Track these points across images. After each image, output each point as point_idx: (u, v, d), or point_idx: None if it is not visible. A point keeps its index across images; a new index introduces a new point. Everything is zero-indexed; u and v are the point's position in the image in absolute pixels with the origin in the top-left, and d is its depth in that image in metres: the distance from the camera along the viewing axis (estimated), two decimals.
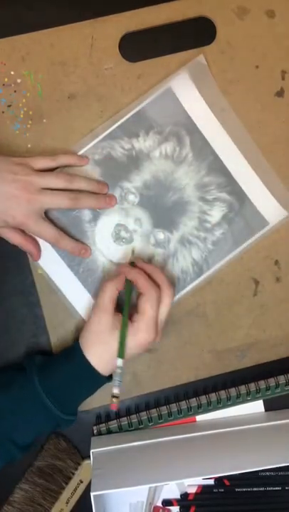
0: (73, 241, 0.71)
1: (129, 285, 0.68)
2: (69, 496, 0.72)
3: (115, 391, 0.64)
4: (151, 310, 0.65)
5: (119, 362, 0.65)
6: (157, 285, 0.67)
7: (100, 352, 0.66)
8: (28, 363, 0.68)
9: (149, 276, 0.67)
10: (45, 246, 0.73)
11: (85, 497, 0.65)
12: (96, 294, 0.72)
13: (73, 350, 0.68)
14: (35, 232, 0.69)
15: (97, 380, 0.67)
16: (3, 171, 0.66)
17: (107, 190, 0.73)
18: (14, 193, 0.65)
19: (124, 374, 0.65)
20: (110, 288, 0.67)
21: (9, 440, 0.65)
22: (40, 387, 0.65)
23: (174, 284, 0.72)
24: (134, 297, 0.69)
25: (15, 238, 0.69)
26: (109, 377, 0.68)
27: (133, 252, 0.73)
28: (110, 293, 0.67)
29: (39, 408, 0.65)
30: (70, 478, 0.72)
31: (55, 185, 0.68)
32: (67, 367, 0.67)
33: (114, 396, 0.64)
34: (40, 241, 0.72)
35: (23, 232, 0.70)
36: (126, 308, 0.67)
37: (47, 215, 0.70)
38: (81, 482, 0.72)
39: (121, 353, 0.65)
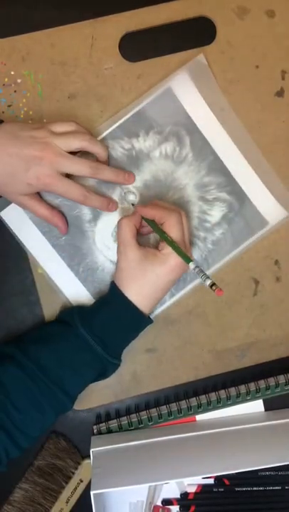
0: (100, 196, 0.71)
1: (152, 222, 0.68)
2: (69, 496, 0.72)
3: (208, 282, 0.62)
4: (178, 234, 0.66)
5: (192, 265, 0.64)
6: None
7: (136, 288, 0.66)
8: (68, 312, 0.69)
9: None
10: (45, 246, 0.73)
11: (85, 496, 0.65)
12: (96, 294, 0.73)
13: (111, 292, 0.68)
14: (62, 192, 0.67)
15: (139, 318, 0.67)
16: (23, 136, 0.65)
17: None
18: (36, 154, 0.65)
19: (202, 271, 0.64)
20: (127, 223, 0.67)
21: (61, 390, 0.65)
22: (84, 330, 0.65)
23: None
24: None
25: (41, 210, 0.69)
26: (150, 319, 0.68)
27: (134, 205, 0.73)
28: (128, 227, 0.67)
29: (85, 352, 0.65)
30: (70, 478, 0.72)
31: (75, 147, 0.67)
32: (107, 307, 0.68)
33: (212, 285, 0.62)
34: (40, 242, 0.72)
35: (49, 205, 0.70)
36: (159, 232, 0.67)
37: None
38: (81, 481, 0.72)
39: (186, 259, 0.64)
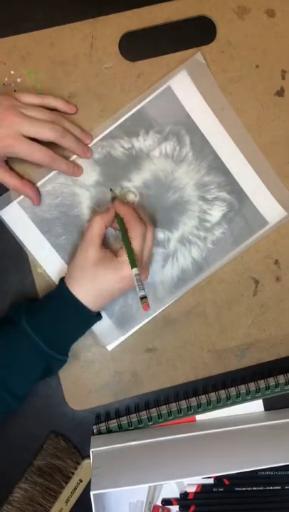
0: (66, 161, 0.71)
1: (121, 222, 0.68)
2: (68, 496, 0.72)
3: (141, 294, 0.63)
4: (137, 244, 0.66)
5: (135, 271, 0.64)
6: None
7: (87, 287, 0.66)
8: (14, 309, 0.68)
9: None
10: (45, 246, 0.73)
11: (85, 496, 0.65)
12: None
13: (59, 288, 0.68)
14: (27, 153, 0.67)
15: (86, 316, 0.67)
16: None
17: (89, 141, 0.72)
18: None
19: (140, 280, 0.64)
20: (99, 222, 0.67)
21: (4, 389, 0.65)
22: (28, 326, 0.65)
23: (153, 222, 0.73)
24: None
25: (12, 181, 0.69)
26: (99, 315, 0.69)
27: (112, 190, 0.73)
28: (99, 227, 0.67)
29: (29, 349, 0.65)
30: (69, 478, 0.72)
31: (39, 115, 0.67)
32: (54, 304, 0.67)
33: (142, 298, 0.63)
34: (40, 242, 0.72)
35: (20, 177, 0.70)
36: (122, 230, 0.67)
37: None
38: (81, 481, 0.72)
39: (132, 264, 0.65)
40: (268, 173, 0.74)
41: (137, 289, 0.63)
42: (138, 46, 0.74)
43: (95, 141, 0.73)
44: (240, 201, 0.73)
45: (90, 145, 0.73)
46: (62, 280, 0.68)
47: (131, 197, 0.73)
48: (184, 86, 0.73)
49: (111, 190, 0.73)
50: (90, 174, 0.73)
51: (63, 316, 0.67)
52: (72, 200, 0.73)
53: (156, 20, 0.74)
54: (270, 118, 0.74)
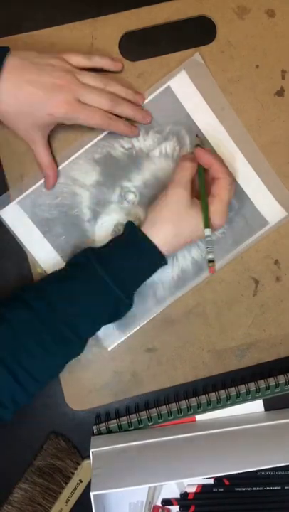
0: (123, 121, 0.71)
1: (203, 172, 0.68)
2: (68, 496, 0.72)
3: (210, 256, 0.65)
4: (228, 194, 0.66)
5: (207, 231, 0.66)
6: None
7: (169, 229, 0.66)
8: (82, 253, 0.67)
9: None
10: (45, 246, 0.73)
11: (85, 497, 0.65)
12: None
13: (132, 232, 0.67)
14: (85, 118, 0.67)
15: (155, 258, 0.66)
16: (41, 63, 0.65)
17: (142, 102, 0.73)
18: (56, 81, 0.65)
19: (211, 242, 0.67)
20: (191, 167, 0.67)
21: (72, 332, 0.63)
22: (99, 266, 0.64)
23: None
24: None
25: (44, 157, 0.69)
26: (165, 260, 0.67)
27: (198, 136, 0.73)
28: (191, 171, 0.67)
29: (100, 292, 0.64)
30: (69, 478, 0.72)
31: (93, 82, 0.67)
32: (128, 248, 0.67)
33: (210, 261, 0.65)
34: (40, 242, 0.72)
35: (51, 157, 0.70)
36: (202, 187, 0.67)
37: None
38: (81, 482, 0.72)
39: (206, 223, 0.66)
40: (267, 173, 0.74)
41: (207, 251, 0.65)
42: (138, 46, 0.74)
43: (95, 140, 0.73)
44: (240, 201, 0.73)
45: (90, 145, 0.73)
46: (131, 224, 0.68)
47: (131, 197, 0.73)
48: (183, 86, 0.73)
49: (197, 136, 0.73)
50: (90, 174, 0.73)
51: (134, 257, 0.66)
52: (72, 200, 0.73)
53: (156, 20, 0.74)
54: (270, 118, 0.74)
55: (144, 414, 0.73)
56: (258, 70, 0.74)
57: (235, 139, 0.73)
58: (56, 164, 0.72)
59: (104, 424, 0.73)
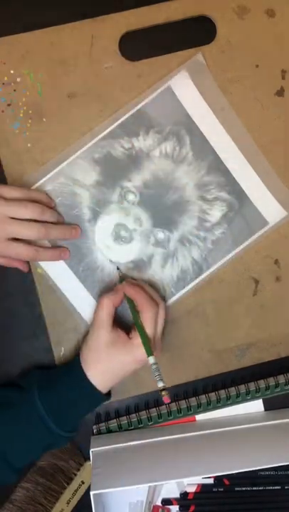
0: (50, 250, 0.71)
1: (132, 304, 0.68)
2: (70, 497, 0.72)
3: (160, 385, 0.63)
4: (150, 327, 0.66)
5: (151, 360, 0.64)
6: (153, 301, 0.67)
7: (100, 370, 0.67)
8: (27, 380, 0.68)
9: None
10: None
11: (86, 498, 0.65)
12: (96, 294, 0.73)
13: (74, 368, 0.68)
14: (12, 256, 0.68)
15: (97, 398, 0.67)
16: None
17: (63, 221, 0.73)
18: None
19: (160, 367, 0.64)
20: (107, 304, 0.67)
21: (4, 461, 0.65)
22: (40, 402, 0.65)
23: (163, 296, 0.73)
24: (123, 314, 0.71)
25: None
26: (108, 395, 0.69)
27: (119, 269, 0.73)
28: (107, 309, 0.67)
29: (37, 425, 0.65)
30: (71, 479, 0.72)
31: (24, 216, 0.66)
32: (67, 384, 0.67)
33: (162, 390, 0.63)
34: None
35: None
36: (135, 317, 0.67)
37: None
38: (83, 483, 0.72)
39: (148, 352, 0.65)
40: (267, 173, 0.74)
41: (156, 380, 0.63)
42: (138, 46, 0.74)
43: (95, 140, 0.73)
44: (240, 201, 0.73)
45: (90, 145, 0.72)
46: (78, 359, 0.68)
47: (131, 197, 0.73)
48: (184, 86, 0.73)
49: (118, 268, 0.73)
50: (90, 174, 0.73)
51: (76, 398, 0.67)
52: (72, 200, 0.73)
53: (156, 20, 0.73)
54: (270, 118, 0.74)
55: (144, 414, 0.73)
56: (258, 70, 0.74)
57: (235, 139, 0.73)
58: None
59: (104, 423, 0.73)
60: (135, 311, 0.68)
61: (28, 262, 0.72)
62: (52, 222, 0.69)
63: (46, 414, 0.65)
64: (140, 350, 0.65)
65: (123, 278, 0.72)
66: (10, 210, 0.66)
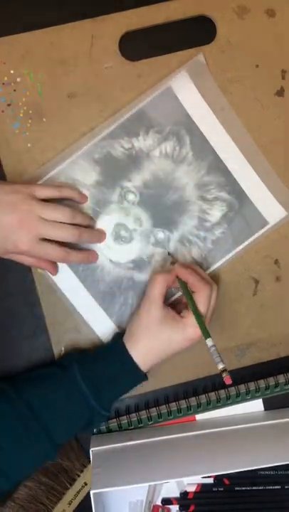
0: (80, 252, 0.70)
1: (185, 286, 0.68)
2: (72, 498, 0.72)
3: (221, 366, 0.63)
4: (204, 307, 0.66)
5: (209, 342, 0.64)
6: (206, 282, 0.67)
7: (146, 346, 0.66)
8: (67, 358, 0.69)
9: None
10: None
11: (88, 500, 0.64)
12: (96, 293, 0.73)
13: (115, 346, 0.68)
14: (43, 256, 0.67)
15: (137, 375, 0.67)
16: (2, 201, 0.65)
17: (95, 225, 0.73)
18: (14, 223, 0.64)
19: (217, 351, 0.64)
20: (161, 281, 0.67)
21: (47, 437, 0.64)
22: (80, 376, 0.65)
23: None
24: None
25: (26, 261, 0.69)
26: (145, 376, 0.68)
27: (170, 253, 0.73)
28: (161, 286, 0.67)
29: (78, 400, 0.65)
30: (74, 480, 0.72)
31: (57, 218, 0.66)
32: (108, 360, 0.67)
33: (223, 371, 0.63)
34: None
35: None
36: (189, 300, 0.67)
37: None
38: (85, 484, 0.72)
39: (206, 334, 0.65)
40: (267, 173, 0.74)
41: (216, 362, 0.63)
42: (138, 46, 0.74)
43: (95, 140, 0.73)
44: (240, 201, 0.74)
45: (90, 145, 0.73)
46: (119, 336, 0.69)
47: (131, 197, 0.73)
48: (184, 86, 0.73)
49: (169, 253, 0.73)
50: (90, 174, 0.73)
51: (115, 374, 0.67)
52: (71, 201, 0.73)
53: (156, 19, 0.73)
54: (270, 118, 0.74)
55: (144, 414, 0.73)
56: (258, 70, 0.74)
57: (235, 139, 0.73)
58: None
59: (104, 423, 0.73)
60: (189, 293, 0.67)
61: (55, 264, 0.71)
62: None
63: (87, 389, 0.65)
64: (191, 329, 0.65)
65: (174, 262, 0.72)
66: (43, 212, 0.65)
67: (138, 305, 0.70)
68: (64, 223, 0.67)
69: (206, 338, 0.65)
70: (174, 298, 0.73)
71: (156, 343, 0.66)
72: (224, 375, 0.62)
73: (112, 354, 0.68)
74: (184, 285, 0.68)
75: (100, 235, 0.72)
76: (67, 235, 0.67)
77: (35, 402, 0.64)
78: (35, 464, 0.67)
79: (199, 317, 0.65)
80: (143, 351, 0.67)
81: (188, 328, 0.66)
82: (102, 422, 0.69)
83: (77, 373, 0.66)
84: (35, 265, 0.70)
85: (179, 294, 0.73)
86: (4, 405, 0.64)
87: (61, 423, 0.66)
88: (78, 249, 0.71)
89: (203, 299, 0.66)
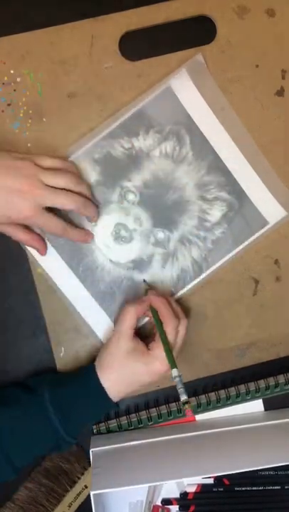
0: (78, 230, 0.71)
1: (155, 311, 0.68)
2: (72, 500, 0.71)
3: (183, 398, 0.64)
4: (170, 338, 0.67)
5: (175, 372, 0.65)
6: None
7: (115, 377, 0.67)
8: (38, 380, 0.69)
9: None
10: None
11: (88, 502, 0.64)
12: (96, 293, 0.73)
13: (88, 372, 0.68)
14: (42, 225, 0.67)
15: (106, 405, 0.67)
16: (6, 166, 0.64)
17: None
18: (18, 187, 0.64)
19: (182, 382, 0.65)
20: (131, 313, 0.67)
21: (6, 459, 0.64)
22: (50, 402, 0.65)
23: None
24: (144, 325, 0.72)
25: (18, 235, 0.68)
26: (117, 405, 0.68)
27: (145, 281, 0.73)
28: (131, 319, 0.67)
29: (43, 426, 0.65)
30: (75, 482, 0.72)
31: (60, 183, 0.66)
32: (79, 386, 0.67)
33: (185, 402, 0.64)
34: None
35: (26, 228, 0.69)
36: (159, 329, 0.67)
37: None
38: (86, 487, 0.72)
39: (172, 364, 0.65)
40: (267, 173, 0.74)
41: (180, 393, 0.64)
42: (138, 46, 0.74)
43: (94, 140, 0.73)
44: (240, 201, 0.74)
45: (90, 145, 0.72)
46: (93, 366, 0.68)
47: (131, 197, 0.73)
48: (184, 86, 0.73)
49: (144, 281, 0.73)
50: (90, 174, 0.73)
51: (86, 403, 0.67)
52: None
53: (156, 19, 0.73)
54: (270, 118, 0.74)
55: (143, 414, 0.73)
56: (258, 70, 0.74)
57: (235, 139, 0.73)
58: (40, 236, 0.71)
59: (104, 423, 0.73)
60: (160, 322, 0.68)
61: (45, 245, 0.71)
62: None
63: (54, 414, 0.65)
64: (158, 363, 0.66)
65: (147, 290, 0.72)
66: (47, 177, 0.65)
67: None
68: (67, 191, 0.67)
69: (172, 368, 0.65)
70: (144, 321, 0.73)
71: (124, 375, 0.67)
72: (186, 407, 0.63)
73: (85, 380, 0.68)
74: (155, 312, 0.68)
75: (96, 212, 0.72)
76: (70, 201, 0.66)
77: (0, 426, 0.64)
78: None
79: (167, 345, 0.66)
80: (112, 381, 0.67)
81: (155, 362, 0.66)
82: (67, 449, 0.69)
83: (46, 397, 0.65)
84: (27, 242, 0.69)
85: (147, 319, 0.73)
86: None
87: (23, 448, 0.66)
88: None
89: (170, 331, 0.67)
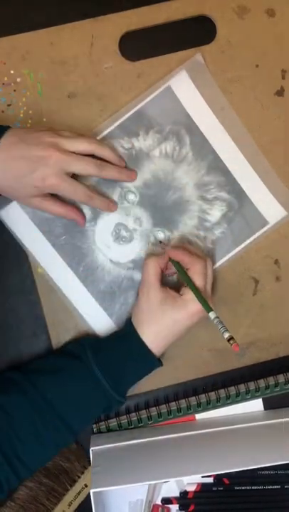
0: (103, 198, 0.71)
1: (178, 265, 0.68)
2: (72, 499, 0.72)
3: (227, 335, 0.64)
4: (201, 280, 0.66)
5: (212, 315, 0.65)
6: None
7: (153, 330, 0.67)
8: (81, 345, 0.68)
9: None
10: (45, 246, 0.73)
11: (88, 501, 0.65)
12: (96, 293, 0.73)
13: (127, 330, 0.68)
14: (69, 192, 0.67)
15: (150, 361, 0.67)
16: (29, 137, 0.65)
17: (124, 164, 0.73)
18: (41, 154, 0.64)
19: (221, 322, 0.65)
20: (153, 264, 0.67)
21: (65, 426, 0.65)
22: (95, 364, 0.65)
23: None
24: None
25: (55, 208, 0.69)
26: (160, 362, 0.68)
27: (161, 242, 0.73)
28: (154, 268, 0.67)
29: (94, 389, 0.65)
30: (75, 481, 0.72)
31: (79, 149, 0.66)
32: (121, 346, 0.68)
33: (230, 339, 0.63)
34: (40, 242, 0.72)
35: (62, 202, 0.69)
36: (185, 278, 0.67)
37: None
38: (86, 486, 0.72)
39: (207, 308, 0.65)
40: (267, 173, 0.74)
41: (221, 332, 0.64)
42: (138, 46, 0.74)
43: None
44: (240, 201, 0.74)
45: None
46: (130, 323, 0.69)
47: (131, 197, 0.73)
48: (184, 86, 0.73)
49: (161, 242, 0.73)
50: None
51: (130, 361, 0.67)
52: (72, 200, 0.73)
53: (156, 19, 0.73)
54: (270, 118, 0.74)
55: (143, 413, 0.73)
56: (258, 70, 0.74)
57: (235, 139, 0.73)
58: (76, 206, 0.72)
59: (104, 422, 0.73)
60: (183, 272, 0.67)
61: (82, 220, 0.71)
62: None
63: (102, 377, 0.65)
64: (192, 304, 0.66)
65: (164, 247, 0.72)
66: (67, 143, 0.66)
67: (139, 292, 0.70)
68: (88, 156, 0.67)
69: (208, 312, 0.65)
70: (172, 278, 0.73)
71: (162, 326, 0.67)
72: (232, 342, 0.63)
73: (127, 343, 0.68)
74: (178, 265, 0.68)
75: (129, 173, 0.72)
76: (91, 166, 0.67)
77: (52, 395, 0.64)
78: (55, 453, 0.67)
79: (198, 292, 0.66)
80: (152, 336, 0.67)
81: (190, 304, 0.66)
82: (119, 407, 0.70)
83: (91, 362, 0.66)
84: (66, 214, 0.70)
85: (175, 279, 0.73)
86: (20, 398, 0.64)
87: (78, 413, 0.66)
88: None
89: (198, 274, 0.67)
